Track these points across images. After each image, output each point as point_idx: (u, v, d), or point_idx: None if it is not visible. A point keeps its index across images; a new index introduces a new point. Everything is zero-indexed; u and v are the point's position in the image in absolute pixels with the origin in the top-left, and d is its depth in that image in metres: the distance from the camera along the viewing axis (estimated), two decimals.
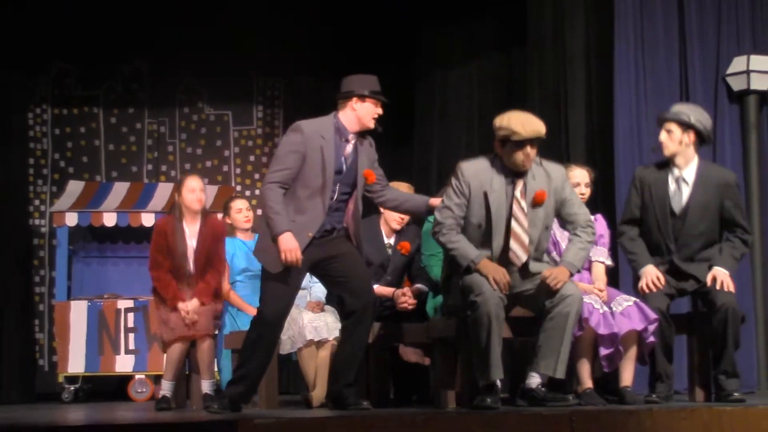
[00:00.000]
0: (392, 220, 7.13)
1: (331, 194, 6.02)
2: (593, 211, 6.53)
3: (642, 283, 6.29)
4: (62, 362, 10.12)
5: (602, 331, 6.03)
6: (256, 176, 11.95)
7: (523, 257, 5.86)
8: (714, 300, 6.20)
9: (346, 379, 6.09)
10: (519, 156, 5.80)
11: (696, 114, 6.40)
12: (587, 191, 6.54)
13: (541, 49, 9.35)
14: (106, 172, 11.79)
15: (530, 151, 5.81)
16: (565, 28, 9.18)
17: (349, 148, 6.11)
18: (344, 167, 6.09)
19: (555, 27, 9.28)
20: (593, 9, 8.99)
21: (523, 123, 5.77)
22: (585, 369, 6.16)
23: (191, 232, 7.39)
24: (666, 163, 6.43)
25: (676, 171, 6.37)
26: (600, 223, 6.60)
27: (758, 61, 8.12)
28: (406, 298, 6.95)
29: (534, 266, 5.92)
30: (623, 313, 6.07)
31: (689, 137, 6.33)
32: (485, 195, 5.85)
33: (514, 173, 5.87)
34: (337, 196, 6.06)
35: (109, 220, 10.46)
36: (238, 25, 11.29)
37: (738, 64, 8.14)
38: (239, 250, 7.91)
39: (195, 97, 12.00)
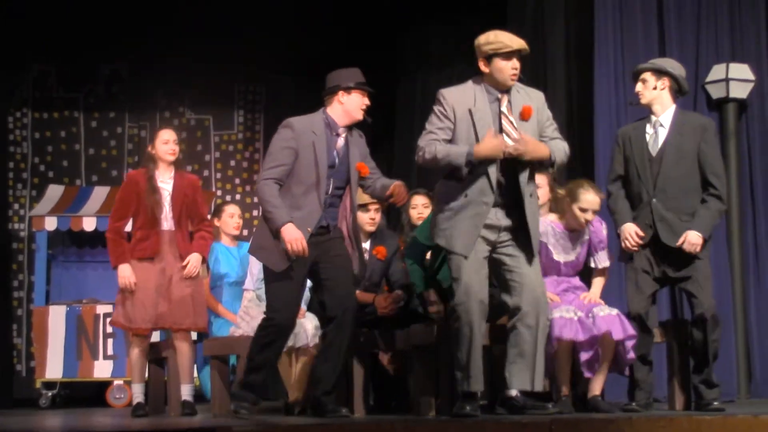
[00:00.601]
0: (365, 222, 7.07)
1: (325, 189, 6.03)
2: None
3: (624, 245, 6.31)
4: (40, 368, 10.06)
5: (581, 337, 6.02)
6: (237, 181, 11.93)
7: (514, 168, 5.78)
8: (694, 306, 6.22)
9: (325, 386, 6.06)
10: (507, 68, 5.77)
11: (669, 63, 6.53)
12: (592, 217, 6.37)
13: None
14: (86, 176, 11.75)
15: (517, 64, 5.80)
16: (545, 32, 9.22)
17: (341, 141, 6.13)
18: (336, 161, 6.10)
19: (535, 31, 9.31)
20: (573, 13, 9.04)
21: (510, 36, 5.80)
22: (563, 376, 6.15)
23: (165, 181, 7.22)
24: (644, 117, 6.49)
25: (653, 118, 6.41)
26: (599, 226, 6.44)
27: (737, 70, 8.16)
28: (386, 303, 6.92)
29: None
30: (604, 318, 6.05)
31: (663, 83, 6.39)
32: (470, 113, 5.79)
33: (497, 91, 5.83)
34: (331, 190, 6.07)
35: (89, 224, 10.41)
36: (219, 30, 11.25)
37: (717, 72, 8.18)
38: (222, 255, 7.88)
39: (176, 102, 11.97)
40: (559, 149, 5.85)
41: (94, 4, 11.00)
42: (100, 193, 10.89)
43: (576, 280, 6.49)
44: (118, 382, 10.02)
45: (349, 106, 6.13)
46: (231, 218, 7.98)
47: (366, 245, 7.10)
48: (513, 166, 5.74)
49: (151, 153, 7.28)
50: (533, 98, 5.89)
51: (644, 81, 6.42)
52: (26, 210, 11.49)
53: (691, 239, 6.17)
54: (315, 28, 11.24)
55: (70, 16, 11.06)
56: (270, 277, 6.03)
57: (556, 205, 6.43)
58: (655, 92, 6.39)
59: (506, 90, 5.84)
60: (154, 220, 7.12)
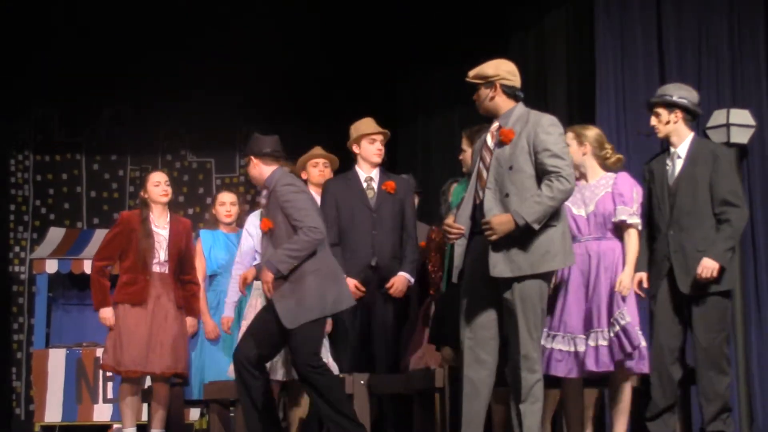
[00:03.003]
0: (372, 154, 7.21)
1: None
2: None
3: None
4: (39, 411, 10.03)
5: (573, 375, 5.91)
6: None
7: (482, 194, 5.54)
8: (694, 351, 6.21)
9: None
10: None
11: (679, 91, 6.44)
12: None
13: (523, 98, 9.39)
14: (87, 219, 11.77)
15: (476, 94, 5.75)
16: (547, 77, 9.26)
17: (263, 201, 6.38)
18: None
19: (537, 76, 9.34)
20: (575, 59, 9.10)
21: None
22: (574, 420, 6.04)
23: (160, 225, 7.19)
24: (667, 149, 6.47)
25: (672, 149, 6.39)
26: (622, 180, 6.13)
27: (738, 115, 8.15)
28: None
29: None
30: (599, 350, 5.86)
31: (676, 116, 6.35)
32: (475, 148, 5.80)
33: (495, 120, 5.71)
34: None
35: (90, 267, 10.35)
36: (222, 74, 11.31)
37: (718, 117, 8.18)
38: (219, 242, 7.81)
39: (177, 145, 12.01)
40: (536, 203, 5.39)
41: (96, 49, 11.07)
42: (101, 236, 10.78)
43: (601, 249, 6.04)
44: (117, 425, 9.93)
45: None
46: (222, 206, 7.90)
47: (373, 174, 7.21)
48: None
49: (144, 197, 7.26)
50: (530, 121, 5.61)
51: (657, 115, 6.39)
52: (27, 253, 11.50)
53: (705, 263, 6.09)
54: (314, 74, 11.29)
55: (72, 60, 11.12)
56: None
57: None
58: (669, 126, 6.36)
59: (500, 117, 5.69)
60: (143, 264, 7.05)
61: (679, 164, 6.34)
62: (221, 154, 12.10)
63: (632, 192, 6.07)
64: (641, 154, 7.73)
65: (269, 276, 5.98)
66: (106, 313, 6.99)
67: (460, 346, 5.51)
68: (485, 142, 5.66)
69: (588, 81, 8.76)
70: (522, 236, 5.38)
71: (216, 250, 7.71)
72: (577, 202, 6.06)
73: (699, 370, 6.14)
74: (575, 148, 6.09)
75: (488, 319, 5.51)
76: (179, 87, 11.32)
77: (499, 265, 5.39)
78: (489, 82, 5.70)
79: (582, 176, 6.12)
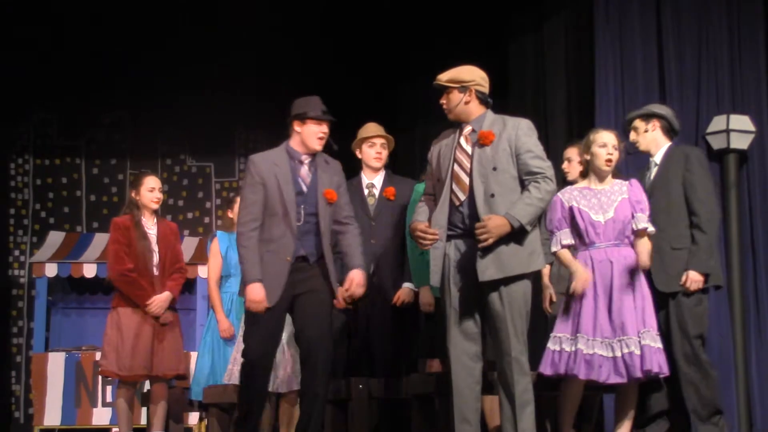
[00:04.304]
0: (370, 158, 7.16)
1: (297, 217, 5.93)
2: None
3: None
4: (38, 415, 10.03)
5: (611, 380, 5.84)
6: None
7: (462, 196, 5.59)
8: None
9: None
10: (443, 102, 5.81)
11: (653, 106, 6.78)
12: (615, 153, 6.08)
13: (522, 104, 9.40)
14: (87, 223, 11.76)
15: (445, 98, 5.80)
16: (546, 87, 9.27)
17: (304, 169, 6.05)
18: (304, 188, 6.00)
19: (536, 85, 9.35)
20: (574, 68, 9.10)
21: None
22: (567, 417, 5.99)
23: (149, 228, 7.24)
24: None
25: (650, 159, 6.63)
26: (637, 187, 6.13)
27: (737, 121, 8.15)
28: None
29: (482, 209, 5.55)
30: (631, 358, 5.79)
31: (653, 125, 6.59)
32: (439, 152, 5.79)
33: (463, 123, 5.76)
34: (303, 218, 5.96)
35: (89, 271, 10.42)
36: (221, 78, 11.31)
37: (718, 123, 8.17)
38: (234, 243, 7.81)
39: (177, 149, 12.01)
40: (527, 205, 5.47)
41: (96, 53, 11.07)
42: (100, 240, 10.89)
43: (621, 255, 5.99)
44: (116, 429, 9.96)
45: (304, 135, 6.08)
46: None
47: (375, 181, 7.16)
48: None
49: (135, 199, 7.27)
50: (508, 126, 5.66)
51: (636, 129, 6.62)
52: (26, 256, 11.50)
53: (692, 276, 6.23)
54: (315, 76, 11.26)
55: (71, 64, 11.12)
56: (247, 314, 5.94)
57: (588, 168, 6.20)
58: (648, 135, 6.59)
59: (472, 121, 5.73)
60: (144, 266, 7.11)
61: (655, 170, 6.54)
62: (221, 158, 12.10)
63: (644, 198, 6.10)
64: (638, 159, 7.73)
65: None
66: (160, 301, 7.07)
67: (446, 352, 5.55)
68: (459, 145, 5.68)
69: (587, 85, 8.77)
70: (508, 238, 5.44)
71: (232, 251, 7.72)
72: (594, 207, 6.04)
73: (681, 377, 6.14)
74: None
75: (472, 324, 5.55)
76: (179, 91, 11.32)
77: (490, 268, 5.43)
78: (463, 86, 5.73)
79: (596, 181, 6.14)
